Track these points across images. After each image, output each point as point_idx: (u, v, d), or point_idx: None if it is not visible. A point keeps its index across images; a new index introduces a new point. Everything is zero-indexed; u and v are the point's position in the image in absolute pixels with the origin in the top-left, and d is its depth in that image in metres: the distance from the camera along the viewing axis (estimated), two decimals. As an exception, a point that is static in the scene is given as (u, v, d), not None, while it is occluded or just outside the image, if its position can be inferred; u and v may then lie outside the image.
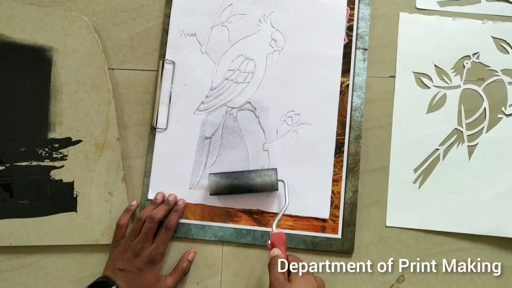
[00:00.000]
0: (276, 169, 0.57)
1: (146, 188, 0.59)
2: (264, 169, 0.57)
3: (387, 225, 0.59)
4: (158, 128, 0.60)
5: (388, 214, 0.59)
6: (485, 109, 0.62)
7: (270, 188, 0.56)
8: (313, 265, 0.55)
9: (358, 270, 0.58)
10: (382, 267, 0.58)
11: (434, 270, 0.58)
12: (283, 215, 0.57)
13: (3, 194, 0.59)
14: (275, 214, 0.58)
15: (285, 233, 0.53)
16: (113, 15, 0.62)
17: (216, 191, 0.56)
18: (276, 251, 0.51)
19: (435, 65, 0.62)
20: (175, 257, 0.58)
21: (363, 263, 0.58)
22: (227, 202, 0.59)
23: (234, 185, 0.56)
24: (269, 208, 0.58)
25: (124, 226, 0.57)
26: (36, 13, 0.61)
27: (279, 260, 0.49)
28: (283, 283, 0.47)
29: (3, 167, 0.59)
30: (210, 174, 0.57)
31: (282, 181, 0.56)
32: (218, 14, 0.61)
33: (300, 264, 0.50)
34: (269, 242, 0.52)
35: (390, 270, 0.58)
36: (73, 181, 0.59)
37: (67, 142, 0.60)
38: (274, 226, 0.53)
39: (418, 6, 0.63)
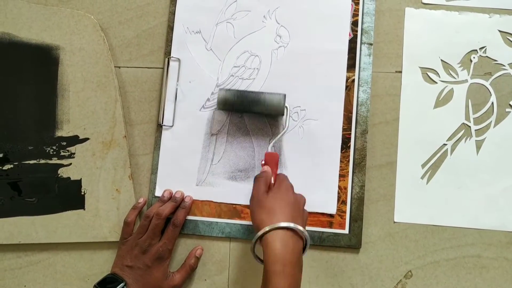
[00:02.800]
0: (285, 94, 0.57)
1: (153, 185, 0.60)
2: (273, 93, 0.57)
3: (395, 220, 0.59)
4: (164, 125, 0.60)
5: (396, 210, 0.59)
6: (492, 103, 0.61)
7: (276, 111, 0.57)
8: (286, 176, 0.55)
9: (365, 266, 0.58)
10: (389, 262, 0.58)
11: (442, 266, 0.58)
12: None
13: (11, 193, 0.59)
14: (282, 210, 0.58)
15: (278, 154, 0.57)
16: (119, 13, 0.63)
17: (224, 105, 0.57)
18: (266, 167, 0.53)
19: (442, 60, 0.62)
20: (183, 254, 0.58)
21: (370, 259, 0.58)
22: (233, 198, 0.59)
23: (242, 100, 0.57)
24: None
25: (131, 223, 0.57)
26: (43, 12, 0.61)
27: (265, 175, 0.52)
28: (262, 195, 0.49)
29: (12, 166, 0.60)
30: (220, 89, 0.58)
31: (286, 107, 0.57)
32: (222, 11, 0.61)
33: (281, 176, 0.53)
34: (263, 162, 0.55)
35: (397, 266, 0.58)
36: (81, 178, 0.60)
37: (75, 140, 0.60)
38: (270, 146, 0.57)
39: (424, 1, 0.62)
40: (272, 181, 0.53)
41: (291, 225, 0.46)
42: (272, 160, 0.55)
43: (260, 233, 0.46)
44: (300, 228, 0.47)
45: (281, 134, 0.57)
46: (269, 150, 0.56)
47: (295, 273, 0.45)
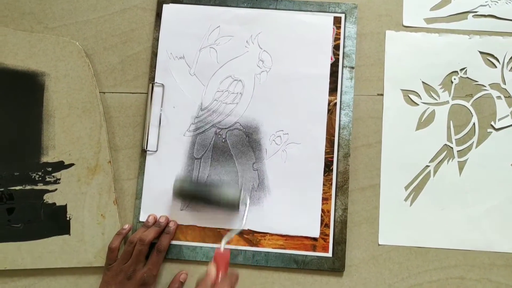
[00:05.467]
0: (241, 190, 0.57)
1: (137, 210, 0.60)
2: (231, 186, 0.56)
3: (379, 243, 0.59)
4: (148, 150, 0.61)
5: (381, 232, 0.59)
6: (474, 124, 0.62)
7: (230, 206, 0.56)
8: None
9: (349, 289, 0.58)
10: (373, 285, 0.58)
11: (426, 288, 0.58)
12: (267, 233, 0.58)
13: (-2, 218, 0.60)
14: (266, 233, 0.59)
15: (230, 250, 0.52)
16: (103, 39, 0.63)
17: (179, 195, 0.57)
18: (212, 271, 0.48)
19: (423, 82, 0.63)
20: (167, 279, 0.59)
21: (354, 281, 0.58)
22: (217, 222, 0.59)
23: (197, 192, 0.56)
24: (259, 227, 0.59)
25: (116, 249, 0.57)
26: (28, 39, 0.62)
27: (211, 277, 0.48)
28: None
29: (-2, 191, 0.60)
30: (176, 179, 0.57)
31: (246, 203, 0.56)
32: (206, 37, 0.62)
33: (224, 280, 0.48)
34: (215, 255, 0.50)
35: (381, 288, 0.58)
36: (66, 204, 0.60)
37: (60, 165, 0.60)
38: (222, 244, 0.50)
39: (405, 23, 0.63)
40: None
41: None
42: (222, 260, 0.49)
43: None
44: None
45: (236, 230, 0.55)
46: (222, 248, 0.50)
47: None
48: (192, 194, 0.57)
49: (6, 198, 0.60)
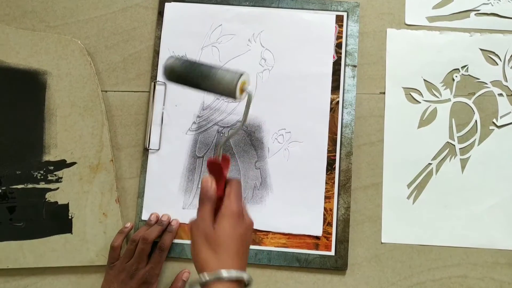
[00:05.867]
0: (242, 73, 0.41)
1: (140, 209, 0.60)
2: (230, 70, 0.42)
3: (382, 241, 0.59)
4: (150, 149, 0.60)
5: (383, 231, 0.59)
6: (476, 121, 0.62)
7: (227, 91, 0.41)
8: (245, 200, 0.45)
9: (352, 287, 0.58)
10: (376, 284, 0.58)
11: (428, 286, 0.58)
12: (269, 232, 0.57)
13: (0, 217, 0.60)
14: (268, 232, 0.59)
15: (230, 157, 0.44)
16: (105, 38, 0.63)
17: (169, 75, 0.44)
18: (209, 182, 0.42)
19: (424, 80, 0.63)
20: (170, 277, 0.58)
21: (357, 280, 0.58)
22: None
23: (190, 72, 0.42)
24: (261, 226, 0.59)
25: (118, 248, 0.57)
26: (30, 38, 0.62)
27: (209, 198, 0.42)
28: (208, 227, 0.41)
29: (0, 191, 0.60)
30: (169, 57, 0.44)
31: (249, 93, 0.42)
32: (208, 35, 0.62)
33: (231, 196, 0.42)
34: (208, 163, 0.43)
35: (384, 287, 0.58)
36: (68, 203, 0.60)
37: (62, 164, 0.60)
38: (219, 150, 0.43)
39: (407, 22, 0.63)
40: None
41: (243, 275, 0.40)
42: (217, 169, 0.42)
43: (204, 280, 0.40)
44: (246, 277, 0.41)
45: (235, 130, 0.45)
46: (220, 156, 0.42)
47: None
48: (184, 74, 0.43)
49: (8, 197, 0.60)
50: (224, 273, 0.39)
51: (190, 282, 0.43)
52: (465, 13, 0.64)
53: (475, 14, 0.64)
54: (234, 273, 0.40)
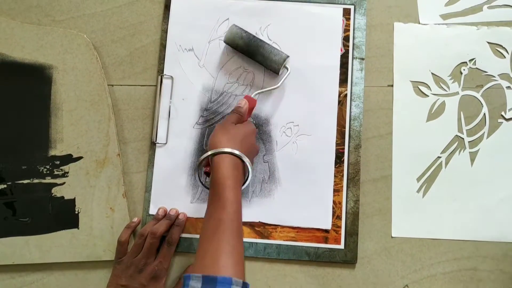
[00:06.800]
0: (288, 56, 0.58)
1: (147, 203, 0.59)
2: (279, 51, 0.59)
3: (392, 235, 0.59)
4: (158, 143, 0.60)
5: (393, 224, 0.59)
6: (484, 114, 0.62)
7: (273, 66, 0.58)
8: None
9: (362, 281, 0.57)
10: (386, 277, 0.58)
11: (438, 279, 0.58)
12: (278, 225, 0.59)
13: (5, 212, 0.59)
14: (277, 226, 0.58)
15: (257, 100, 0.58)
16: (111, 32, 0.63)
17: (230, 41, 0.59)
18: (244, 103, 0.56)
19: (432, 73, 0.62)
20: (178, 272, 0.58)
21: (367, 274, 0.58)
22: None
23: (248, 44, 0.58)
24: (270, 220, 0.58)
25: (125, 243, 0.56)
26: (36, 32, 0.61)
27: (241, 113, 0.55)
28: (230, 124, 0.53)
29: (5, 186, 0.59)
30: (233, 25, 0.59)
31: (287, 67, 0.59)
32: (215, 29, 0.62)
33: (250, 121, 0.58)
34: (246, 96, 0.57)
35: (394, 280, 0.58)
36: (75, 197, 0.59)
37: (68, 159, 0.60)
38: (254, 93, 0.58)
39: (421, 21, 0.63)
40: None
41: (246, 159, 0.51)
42: (250, 104, 0.56)
43: (219, 150, 0.50)
44: (250, 165, 0.52)
45: (269, 88, 0.59)
46: (252, 95, 0.57)
47: (240, 194, 0.50)
48: (243, 42, 0.58)
49: (14, 192, 0.59)
50: (237, 152, 0.50)
51: (200, 159, 0.53)
52: (477, 7, 0.64)
53: (487, 7, 0.63)
54: (246, 160, 0.51)
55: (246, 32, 0.59)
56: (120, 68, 0.62)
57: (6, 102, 0.61)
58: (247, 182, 0.53)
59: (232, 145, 0.51)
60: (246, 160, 0.51)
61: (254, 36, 0.59)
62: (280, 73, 0.59)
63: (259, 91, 0.58)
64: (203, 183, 0.57)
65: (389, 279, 0.58)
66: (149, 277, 0.54)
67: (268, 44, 0.59)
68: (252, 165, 0.54)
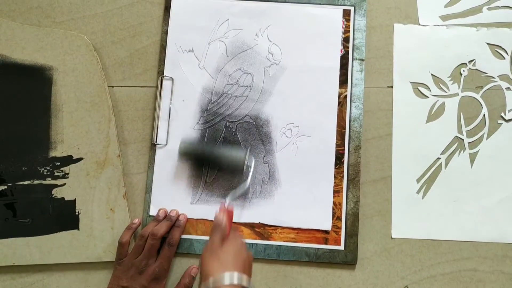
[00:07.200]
0: (246, 153, 0.56)
1: (147, 204, 0.59)
2: (235, 148, 0.57)
3: (392, 236, 0.59)
4: (158, 144, 0.60)
5: (393, 225, 0.59)
6: (484, 115, 0.62)
7: (236, 168, 0.56)
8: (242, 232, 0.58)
9: (362, 282, 0.58)
10: (386, 278, 0.58)
11: (438, 280, 0.58)
12: (278, 226, 0.58)
13: (5, 214, 0.59)
14: (277, 227, 0.58)
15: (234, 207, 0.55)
16: (111, 33, 0.63)
17: (184, 154, 0.58)
18: (222, 218, 0.51)
19: (432, 74, 0.62)
20: (178, 273, 0.58)
21: (366, 274, 0.58)
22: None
23: (203, 156, 0.57)
24: (270, 221, 0.58)
25: (126, 244, 0.57)
26: (36, 33, 0.61)
27: (222, 229, 0.50)
28: (217, 246, 0.49)
29: (5, 187, 0.59)
30: (182, 141, 0.58)
31: (248, 164, 0.56)
32: (215, 30, 0.62)
33: (236, 232, 0.53)
34: (221, 208, 0.52)
35: (394, 281, 0.58)
36: (75, 198, 0.59)
37: (69, 160, 0.60)
38: (227, 201, 0.53)
39: (421, 23, 0.63)
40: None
41: (245, 281, 0.47)
42: (228, 216, 0.52)
43: (212, 280, 0.46)
44: (250, 282, 0.48)
45: (240, 190, 0.56)
46: (226, 204, 0.52)
47: None
48: (197, 154, 0.57)
49: (14, 193, 0.59)
50: (227, 275, 0.46)
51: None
52: (477, 8, 0.64)
53: (487, 9, 0.63)
54: (236, 275, 0.47)
55: (196, 144, 0.58)
56: (120, 69, 0.62)
57: (7, 103, 0.61)
58: None
59: (225, 268, 0.47)
60: (245, 282, 0.47)
61: (206, 146, 0.58)
62: (244, 171, 0.56)
63: (231, 196, 0.54)
64: None
65: (389, 280, 0.58)
66: (150, 278, 0.55)
67: (223, 147, 0.58)
68: (251, 277, 0.50)
